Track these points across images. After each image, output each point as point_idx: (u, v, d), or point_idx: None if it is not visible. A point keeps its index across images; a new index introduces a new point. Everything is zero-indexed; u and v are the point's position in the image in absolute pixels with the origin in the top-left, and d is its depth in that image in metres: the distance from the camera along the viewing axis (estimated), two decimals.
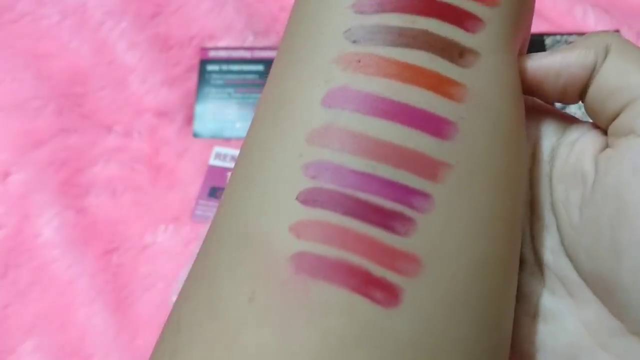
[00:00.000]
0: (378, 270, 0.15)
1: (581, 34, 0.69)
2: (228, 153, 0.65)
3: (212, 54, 0.71)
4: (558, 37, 0.69)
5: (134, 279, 0.58)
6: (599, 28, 0.70)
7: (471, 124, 0.16)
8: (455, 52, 0.16)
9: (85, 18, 0.73)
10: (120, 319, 0.56)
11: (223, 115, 0.69)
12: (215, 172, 0.64)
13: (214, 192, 0.63)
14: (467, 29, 0.16)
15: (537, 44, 0.68)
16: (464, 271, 0.15)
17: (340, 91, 0.16)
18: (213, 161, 0.65)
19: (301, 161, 0.16)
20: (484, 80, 0.16)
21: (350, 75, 0.16)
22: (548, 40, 0.69)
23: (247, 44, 0.72)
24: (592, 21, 0.71)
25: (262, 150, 0.17)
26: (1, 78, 0.69)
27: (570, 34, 0.69)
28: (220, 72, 0.70)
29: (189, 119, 0.68)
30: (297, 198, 0.15)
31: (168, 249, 0.60)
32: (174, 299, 0.54)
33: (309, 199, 0.15)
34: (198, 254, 0.18)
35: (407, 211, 0.15)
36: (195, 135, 0.67)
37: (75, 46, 0.72)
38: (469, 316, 0.15)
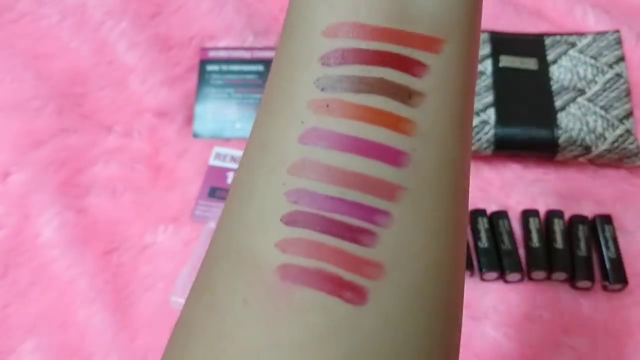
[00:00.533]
0: (348, 276, 0.19)
1: (581, 34, 0.69)
2: (228, 153, 0.65)
3: (212, 54, 0.71)
4: (558, 37, 0.69)
5: (134, 279, 0.58)
6: (599, 28, 0.70)
7: (421, 153, 0.20)
8: (405, 95, 0.20)
9: (85, 18, 0.73)
10: (120, 319, 0.56)
11: (223, 115, 0.69)
12: (215, 172, 0.64)
13: (214, 192, 0.63)
14: (414, 74, 0.20)
15: (537, 44, 0.68)
16: (420, 273, 0.20)
17: (313, 131, 0.20)
18: (213, 161, 0.65)
19: (284, 189, 0.20)
20: (430, 116, 0.20)
21: (321, 117, 0.20)
22: (548, 40, 0.69)
23: (247, 44, 0.72)
24: (592, 21, 0.71)
25: (252, 180, 0.21)
26: (1, 78, 0.69)
27: (570, 34, 0.69)
28: (220, 72, 0.70)
29: (189, 119, 0.68)
30: (281, 220, 0.19)
31: (168, 249, 0.60)
32: (174, 298, 0.54)
33: (290, 220, 0.19)
34: (202, 264, 0.22)
35: (371, 227, 0.19)
36: (195, 135, 0.67)
37: (75, 46, 0.72)
38: (424, 310, 0.20)
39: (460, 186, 0.21)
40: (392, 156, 0.20)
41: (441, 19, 0.21)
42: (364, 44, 0.20)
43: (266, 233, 0.20)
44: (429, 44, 0.21)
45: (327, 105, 0.20)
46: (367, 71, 0.20)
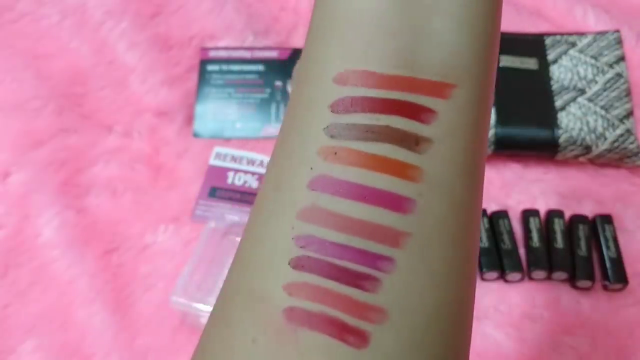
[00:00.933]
0: (351, 320, 0.19)
1: (581, 34, 0.69)
2: (228, 153, 0.65)
3: (212, 54, 0.71)
4: (558, 37, 0.69)
5: (134, 279, 0.58)
6: (599, 28, 0.70)
7: (427, 199, 0.20)
8: (412, 141, 0.20)
9: (85, 18, 0.73)
10: (120, 319, 0.56)
11: (223, 115, 0.68)
12: (215, 172, 0.64)
13: (214, 192, 0.63)
14: (422, 121, 0.20)
15: (537, 44, 0.68)
16: (422, 318, 0.20)
17: (321, 178, 0.21)
18: (213, 161, 0.65)
19: (293, 233, 0.20)
20: (438, 162, 0.21)
21: (329, 164, 0.21)
22: (548, 40, 0.69)
23: (247, 44, 0.72)
24: (592, 21, 0.71)
25: (264, 220, 0.22)
26: (1, 78, 0.69)
27: (570, 34, 0.69)
28: (220, 72, 0.70)
29: (189, 119, 0.68)
30: (289, 263, 0.20)
31: (168, 249, 0.60)
32: (174, 298, 0.54)
33: (298, 264, 0.20)
34: (218, 297, 0.23)
35: (375, 273, 0.20)
36: (195, 135, 0.67)
37: (75, 46, 0.72)
38: (425, 353, 0.20)
39: (468, 231, 0.21)
40: (397, 203, 0.20)
41: (451, 63, 0.21)
42: (372, 92, 0.21)
43: (274, 275, 0.20)
44: (438, 89, 0.21)
45: (335, 153, 0.20)
46: (375, 119, 0.20)
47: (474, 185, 0.22)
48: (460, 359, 0.22)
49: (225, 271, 0.23)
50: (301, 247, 0.20)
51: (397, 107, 0.20)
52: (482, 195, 0.23)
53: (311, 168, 0.21)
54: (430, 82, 0.21)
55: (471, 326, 0.22)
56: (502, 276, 0.58)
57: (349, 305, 0.19)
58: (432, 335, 0.20)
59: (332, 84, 0.21)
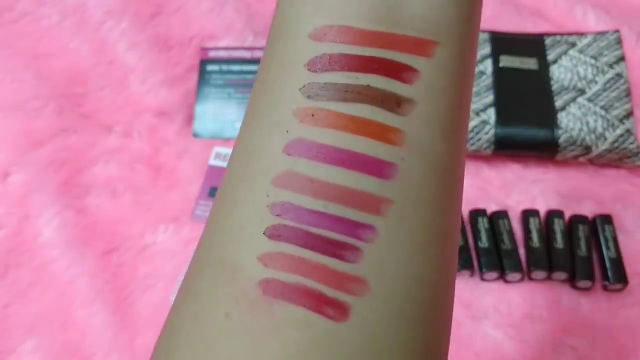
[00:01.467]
0: (330, 292, 0.18)
1: (581, 34, 0.69)
2: (228, 153, 0.65)
3: (212, 54, 0.71)
4: (558, 37, 0.69)
5: (134, 279, 0.58)
6: (599, 28, 0.70)
7: (409, 164, 0.19)
8: (393, 102, 0.19)
9: (85, 18, 0.73)
10: (120, 319, 0.56)
11: (223, 115, 0.68)
12: (215, 172, 0.64)
13: (214, 192, 0.63)
14: (403, 81, 0.19)
15: (537, 44, 0.68)
16: (404, 288, 0.19)
17: (298, 142, 0.19)
18: (213, 161, 0.65)
19: (268, 201, 0.19)
20: (420, 124, 0.19)
21: (306, 127, 0.19)
22: (548, 40, 0.69)
23: (247, 44, 0.72)
24: (592, 21, 0.71)
25: (236, 187, 0.20)
26: (1, 78, 0.69)
27: (570, 34, 0.69)
28: (220, 72, 0.70)
29: (189, 119, 0.68)
30: (264, 233, 0.19)
31: (168, 249, 0.60)
32: (174, 298, 0.54)
33: (274, 234, 0.19)
34: (187, 270, 0.22)
35: (355, 242, 0.19)
36: (195, 135, 0.67)
37: (75, 46, 0.72)
38: (408, 323, 0.19)
39: (450, 195, 0.21)
40: (378, 168, 0.19)
41: (433, 20, 0.20)
42: (351, 49, 0.19)
43: (248, 245, 0.19)
44: (420, 47, 0.20)
45: (313, 115, 0.19)
46: (354, 78, 0.19)
47: (457, 148, 0.21)
48: (442, 329, 0.21)
49: None
50: (277, 215, 0.19)
51: (377, 65, 0.19)
52: (464, 160, 0.22)
53: (287, 131, 0.19)
54: (411, 38, 0.20)
55: (453, 296, 0.21)
56: (502, 276, 0.58)
57: (328, 276, 0.18)
58: (413, 305, 0.19)
59: (309, 40, 0.20)
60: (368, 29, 0.19)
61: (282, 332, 0.18)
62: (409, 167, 0.19)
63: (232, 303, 0.19)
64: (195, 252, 0.22)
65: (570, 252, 0.58)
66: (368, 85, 0.19)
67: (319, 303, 0.18)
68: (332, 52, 0.20)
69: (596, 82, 0.65)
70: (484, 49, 0.68)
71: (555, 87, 0.65)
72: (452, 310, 0.22)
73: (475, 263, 0.58)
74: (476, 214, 0.60)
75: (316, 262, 0.18)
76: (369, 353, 0.19)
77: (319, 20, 0.20)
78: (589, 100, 0.64)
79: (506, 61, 0.67)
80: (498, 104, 0.64)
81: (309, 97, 0.19)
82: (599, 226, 0.59)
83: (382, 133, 0.19)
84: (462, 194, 0.22)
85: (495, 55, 0.67)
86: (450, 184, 0.20)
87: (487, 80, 0.66)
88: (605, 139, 0.62)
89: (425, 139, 0.20)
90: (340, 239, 0.19)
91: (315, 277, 0.18)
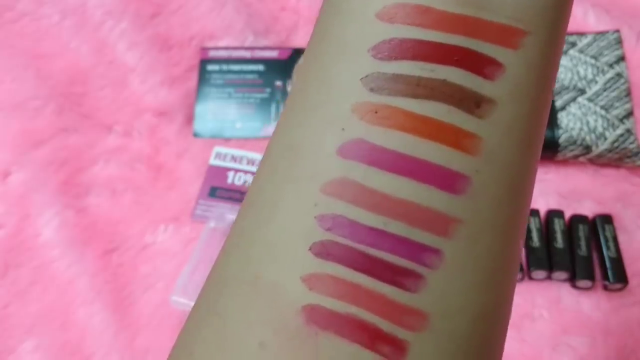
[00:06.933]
0: (386, 326, 0.15)
1: (581, 34, 0.69)
2: (228, 153, 0.65)
3: (212, 53, 0.71)
4: None
5: (134, 279, 0.58)
6: (600, 28, 0.70)
7: (485, 177, 0.16)
8: (472, 102, 0.16)
9: (85, 18, 0.73)
10: (120, 319, 0.56)
11: (223, 115, 0.68)
12: (215, 172, 0.64)
13: (214, 192, 0.63)
14: (485, 76, 0.16)
15: None
16: (467, 322, 0.16)
17: (356, 143, 0.16)
18: (213, 161, 0.65)
19: (316, 211, 0.16)
20: (500, 131, 0.16)
21: (367, 126, 0.16)
22: None
23: (247, 44, 0.72)
24: (592, 21, 0.71)
25: (276, 192, 0.17)
26: (1, 78, 0.69)
27: (570, 33, 0.69)
28: (220, 72, 0.70)
29: (189, 118, 0.68)
30: (310, 249, 0.16)
31: (168, 249, 0.60)
32: (174, 298, 0.54)
33: (322, 251, 0.16)
34: (207, 283, 0.18)
35: (418, 268, 0.16)
36: (195, 135, 0.67)
37: (75, 46, 0.72)
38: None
39: (520, 218, 0.18)
40: (449, 181, 0.16)
41: (526, 4, 0.17)
42: (428, 34, 0.16)
43: (291, 263, 0.16)
44: (507, 36, 0.16)
45: (376, 112, 0.16)
46: (429, 70, 0.16)
47: (534, 162, 0.18)
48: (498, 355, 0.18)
49: None
50: (327, 229, 0.16)
51: (458, 55, 0.16)
52: (535, 175, 0.19)
53: (343, 129, 0.16)
54: (499, 25, 0.16)
55: (508, 324, 0.19)
56: None
57: (385, 306, 0.15)
58: (475, 343, 0.17)
59: (376, 20, 0.17)
60: (450, 11, 0.16)
61: None
62: (484, 181, 0.16)
63: (268, 330, 0.16)
64: (219, 262, 0.18)
65: (571, 251, 0.58)
66: (445, 80, 0.16)
67: (373, 338, 0.15)
68: (403, 37, 0.16)
69: (596, 82, 0.65)
70: None
71: (555, 86, 0.65)
72: (504, 344, 0.19)
73: None
74: None
75: (372, 290, 0.16)
76: None
77: None
78: (589, 100, 0.64)
79: None
80: None
81: (372, 89, 0.16)
82: (599, 226, 0.59)
83: (457, 139, 0.16)
84: (528, 214, 0.19)
85: None
86: (522, 204, 0.18)
87: None
88: (606, 138, 0.62)
89: (503, 149, 0.17)
90: (401, 263, 0.16)
91: (369, 308, 0.15)
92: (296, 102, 0.18)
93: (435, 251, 0.16)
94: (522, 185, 0.17)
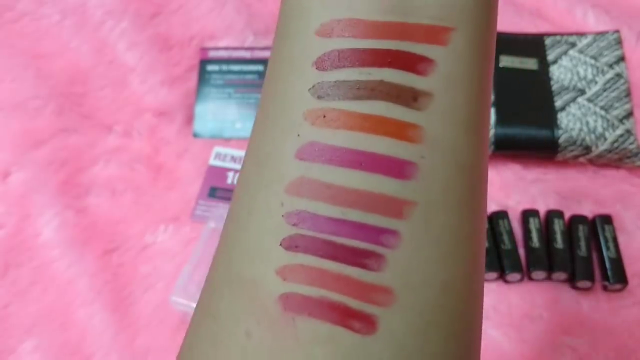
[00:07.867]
0: (355, 304, 0.17)
1: (581, 34, 0.69)
2: (228, 153, 0.65)
3: (212, 54, 0.71)
4: (558, 37, 0.69)
5: (134, 279, 0.58)
6: (599, 28, 0.70)
7: (430, 162, 0.18)
8: (409, 97, 0.18)
9: (85, 18, 0.73)
10: (120, 319, 0.56)
11: (223, 115, 0.69)
12: (215, 172, 0.64)
13: (214, 192, 0.63)
14: (418, 72, 0.18)
15: (537, 44, 0.68)
16: (432, 296, 0.18)
17: (310, 146, 0.18)
18: (213, 161, 0.65)
19: (283, 210, 0.18)
20: (439, 119, 0.18)
21: (318, 130, 0.18)
22: (548, 41, 0.69)
23: (247, 44, 0.72)
24: (592, 21, 0.71)
25: (249, 198, 0.19)
26: (1, 78, 0.69)
27: (570, 34, 0.69)
28: (220, 72, 0.70)
29: (189, 119, 0.68)
30: (280, 244, 0.18)
31: (168, 249, 0.60)
32: (174, 298, 0.54)
33: (291, 245, 0.18)
34: (204, 288, 0.21)
35: (378, 249, 0.17)
36: (195, 135, 0.67)
37: (75, 46, 0.72)
38: (438, 333, 0.18)
39: (476, 194, 0.19)
40: (397, 168, 0.18)
41: (448, 4, 0.18)
42: (361, 43, 0.18)
43: (266, 259, 0.18)
44: (434, 34, 0.18)
45: (324, 116, 0.18)
46: (366, 74, 0.18)
47: (479, 142, 0.19)
48: (473, 338, 0.20)
49: None
50: (293, 224, 0.18)
51: (390, 58, 0.18)
52: (487, 156, 0.20)
53: (298, 135, 0.18)
54: (425, 26, 0.18)
55: (482, 303, 0.20)
56: (502, 276, 0.58)
57: (352, 287, 0.17)
58: (443, 314, 0.18)
59: (315, 37, 0.19)
60: (378, 20, 0.18)
61: (307, 349, 0.17)
62: (430, 165, 0.18)
63: (252, 321, 0.18)
64: (211, 268, 0.21)
65: (570, 252, 0.58)
66: (381, 80, 0.18)
67: (344, 316, 0.17)
68: (341, 48, 0.18)
69: (596, 82, 0.65)
70: None
71: (555, 87, 0.65)
72: (481, 319, 0.20)
73: None
74: None
75: (338, 273, 0.17)
76: None
77: (326, 13, 0.18)
78: (589, 100, 0.64)
79: (506, 61, 0.67)
80: (498, 104, 0.64)
81: (319, 97, 0.18)
82: (598, 226, 0.59)
83: (399, 130, 0.18)
84: (487, 192, 0.21)
85: (495, 56, 0.67)
86: (475, 182, 0.19)
87: None
88: (605, 139, 0.62)
89: (445, 135, 0.18)
90: (362, 246, 0.17)
91: (338, 289, 0.17)
92: (259, 116, 0.20)
93: (392, 232, 0.18)
94: (471, 165, 0.19)
